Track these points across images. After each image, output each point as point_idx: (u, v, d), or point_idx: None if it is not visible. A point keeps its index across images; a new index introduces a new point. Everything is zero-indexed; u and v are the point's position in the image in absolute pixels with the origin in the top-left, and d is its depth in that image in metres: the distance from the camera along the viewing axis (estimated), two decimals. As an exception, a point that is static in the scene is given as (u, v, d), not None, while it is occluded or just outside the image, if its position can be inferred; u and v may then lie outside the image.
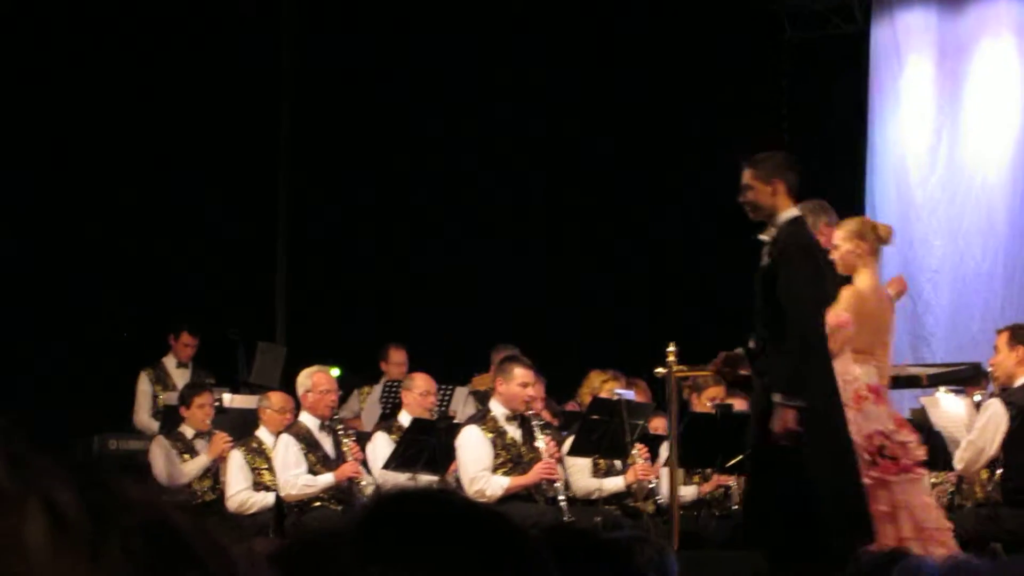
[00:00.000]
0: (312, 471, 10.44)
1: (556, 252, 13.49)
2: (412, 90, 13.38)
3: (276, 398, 11.02)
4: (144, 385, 12.20)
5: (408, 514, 1.22)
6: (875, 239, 8.23)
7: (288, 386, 11.18)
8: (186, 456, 11.06)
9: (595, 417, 10.28)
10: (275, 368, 12.16)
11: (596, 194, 13.15)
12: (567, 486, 10.30)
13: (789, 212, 7.70)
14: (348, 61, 13.34)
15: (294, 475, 10.42)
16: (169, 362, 12.26)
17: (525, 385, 10.05)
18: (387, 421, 11.33)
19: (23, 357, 11.91)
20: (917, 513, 8.11)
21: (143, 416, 12.18)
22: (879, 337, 8.20)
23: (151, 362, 12.18)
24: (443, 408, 11.37)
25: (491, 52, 13.45)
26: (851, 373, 7.95)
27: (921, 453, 8.17)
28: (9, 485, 0.67)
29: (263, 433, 10.84)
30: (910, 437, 8.18)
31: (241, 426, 11.07)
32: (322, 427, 10.63)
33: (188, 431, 11.16)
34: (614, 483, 10.62)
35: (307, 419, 10.64)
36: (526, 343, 11.34)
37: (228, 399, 11.69)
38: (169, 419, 11.36)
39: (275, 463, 10.55)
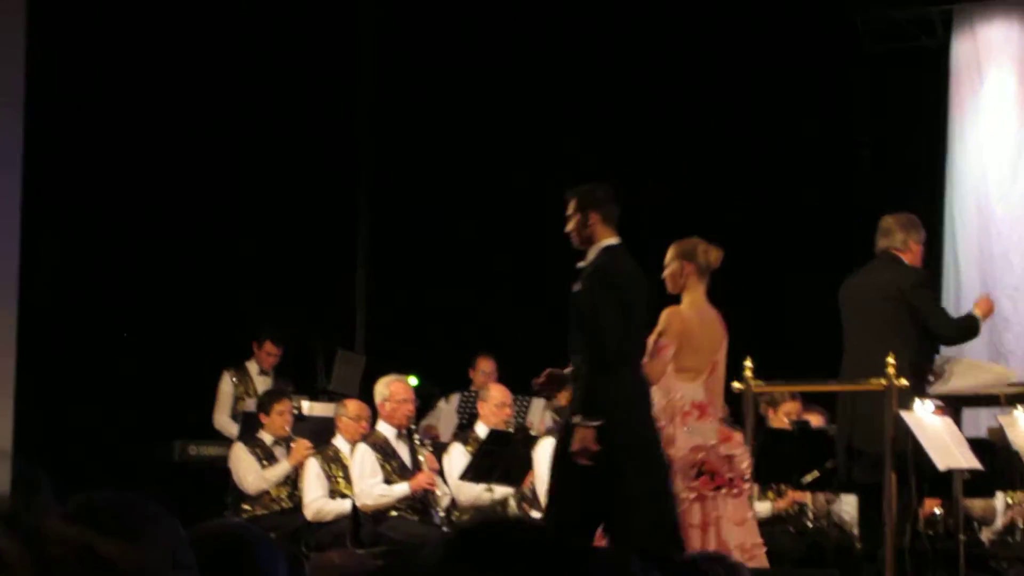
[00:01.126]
0: (388, 480, 10.53)
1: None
2: (486, 102, 13.43)
3: (352, 406, 11.10)
4: (226, 386, 12.31)
5: (488, 546, 1.25)
6: (705, 261, 8.31)
7: (366, 395, 11.25)
8: (265, 463, 11.15)
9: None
10: (354, 377, 12.25)
11: (674, 207, 13.15)
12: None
13: (604, 242, 7.86)
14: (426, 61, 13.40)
15: (370, 484, 10.51)
16: (252, 367, 12.37)
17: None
18: (463, 432, 11.39)
19: (106, 361, 12.05)
20: (724, 529, 8.15)
21: (223, 417, 12.29)
22: (705, 356, 8.30)
23: (236, 364, 12.29)
24: (520, 420, 11.42)
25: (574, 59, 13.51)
26: (676, 391, 8.16)
27: (746, 466, 8.28)
28: None
29: (339, 441, 10.94)
30: (736, 450, 8.30)
31: (319, 434, 11.17)
32: (399, 436, 10.73)
33: (267, 438, 11.25)
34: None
35: (384, 428, 10.74)
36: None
37: (307, 407, 11.79)
38: (248, 425, 11.46)
39: (352, 472, 10.64)
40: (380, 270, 13.57)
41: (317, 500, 10.78)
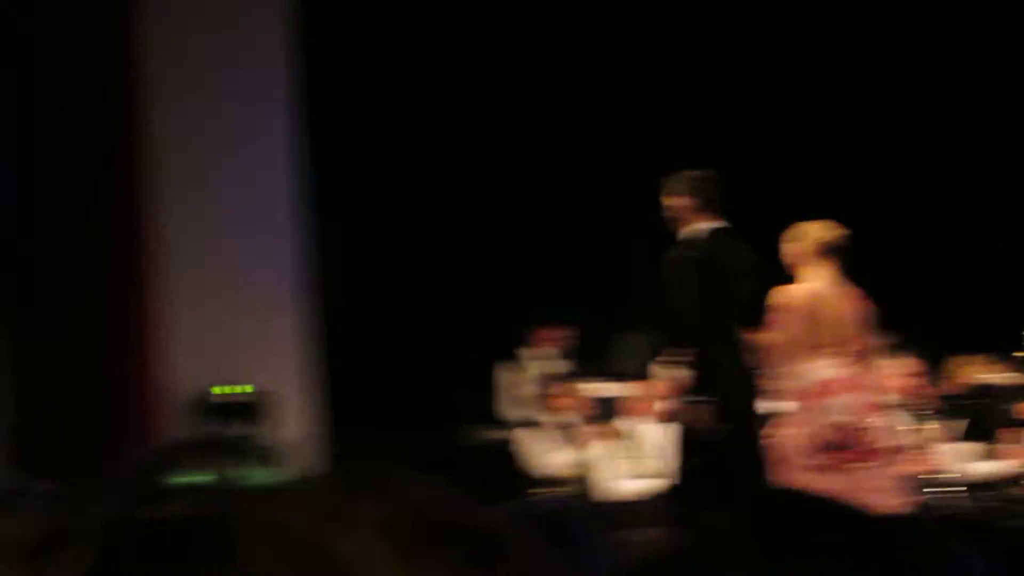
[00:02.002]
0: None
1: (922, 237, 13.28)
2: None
3: (639, 387, 11.12)
4: (507, 374, 12.38)
5: (794, 516, 1.22)
6: (827, 244, 8.38)
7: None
8: (551, 446, 11.23)
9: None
10: (639, 358, 12.24)
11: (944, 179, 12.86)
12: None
13: (693, 227, 8.33)
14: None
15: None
16: (532, 352, 12.43)
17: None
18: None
19: (396, 348, 12.25)
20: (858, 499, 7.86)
21: (507, 406, 12.37)
22: (842, 332, 8.33)
23: (513, 353, 12.35)
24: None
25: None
26: (808, 366, 8.26)
27: (886, 441, 8.30)
28: (335, 511, 0.71)
29: (627, 422, 10.98)
30: (878, 423, 8.30)
31: (605, 415, 11.21)
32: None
33: (552, 421, 11.33)
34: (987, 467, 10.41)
35: (670, 408, 10.72)
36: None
37: (593, 388, 11.83)
38: (533, 409, 11.54)
39: (641, 451, 10.67)
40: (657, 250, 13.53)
41: (608, 481, 10.84)
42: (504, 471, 11.49)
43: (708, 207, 8.33)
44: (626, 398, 11.20)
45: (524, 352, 12.31)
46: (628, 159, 13.03)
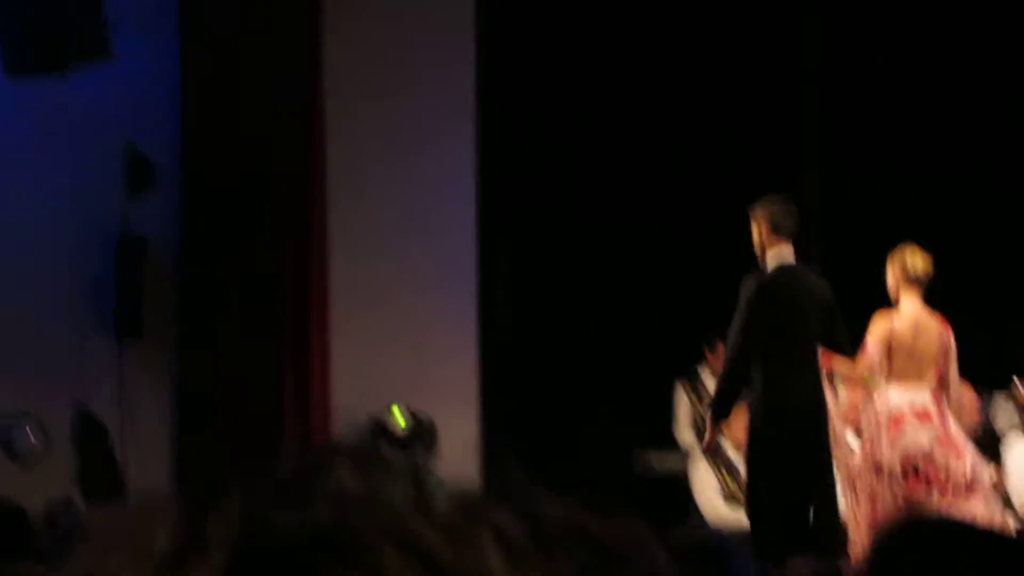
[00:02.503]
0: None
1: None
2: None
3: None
4: (682, 397, 12.16)
5: (924, 545, 1.29)
6: (912, 270, 8.63)
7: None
8: (728, 478, 11.01)
9: None
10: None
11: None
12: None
13: (768, 254, 8.79)
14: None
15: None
16: (705, 373, 12.19)
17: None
18: None
19: (568, 370, 12.16)
20: None
21: (683, 430, 12.15)
22: (919, 363, 8.58)
23: (688, 373, 12.12)
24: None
25: None
26: (886, 394, 8.53)
27: (962, 473, 8.41)
28: (458, 523, 0.73)
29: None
30: (953, 458, 8.43)
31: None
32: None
33: (730, 447, 11.10)
34: None
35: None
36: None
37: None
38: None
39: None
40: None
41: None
42: (677, 499, 11.30)
43: (780, 234, 8.75)
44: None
45: (703, 369, 12.08)
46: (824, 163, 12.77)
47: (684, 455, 11.71)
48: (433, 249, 11.71)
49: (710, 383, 12.03)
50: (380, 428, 11.33)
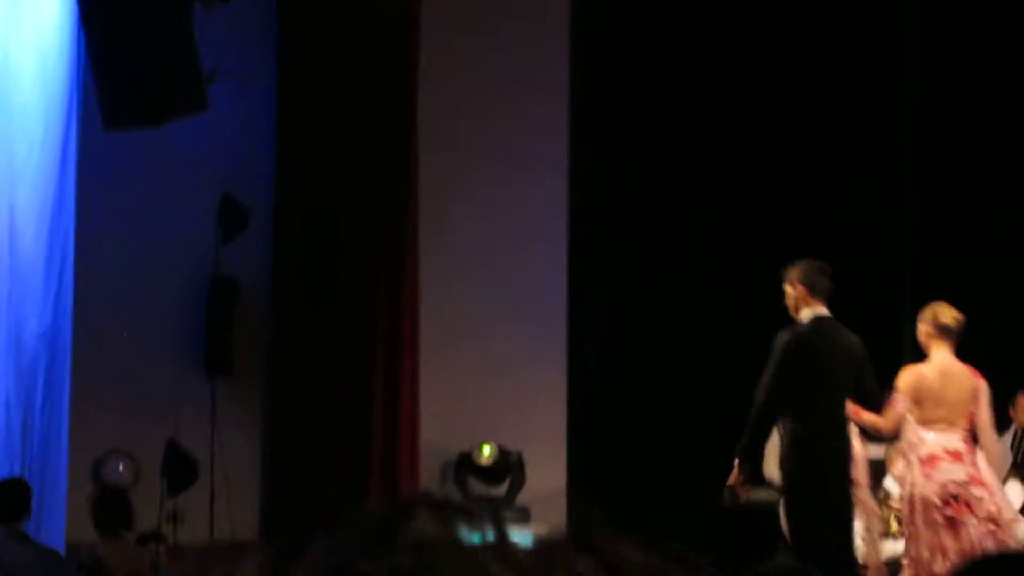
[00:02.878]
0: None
1: None
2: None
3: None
4: (772, 434, 12.23)
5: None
6: (938, 323, 9.15)
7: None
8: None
9: None
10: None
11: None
12: None
13: (802, 313, 9.23)
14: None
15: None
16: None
17: None
18: (1019, 469, 10.93)
19: (656, 407, 12.26)
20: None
21: (771, 465, 12.17)
22: (951, 409, 9.12)
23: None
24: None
25: None
26: (920, 439, 9.11)
27: (995, 510, 8.98)
28: (538, 570, 0.74)
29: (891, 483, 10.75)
30: (983, 494, 8.99)
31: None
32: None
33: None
34: None
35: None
36: None
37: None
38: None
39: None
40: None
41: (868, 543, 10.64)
42: (766, 531, 11.34)
43: (815, 295, 9.18)
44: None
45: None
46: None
47: (773, 489, 11.75)
48: (524, 287, 11.92)
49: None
50: (468, 463, 11.55)
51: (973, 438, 9.22)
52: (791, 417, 9.11)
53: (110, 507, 9.08)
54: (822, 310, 9.23)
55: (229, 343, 11.10)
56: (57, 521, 10.20)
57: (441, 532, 0.75)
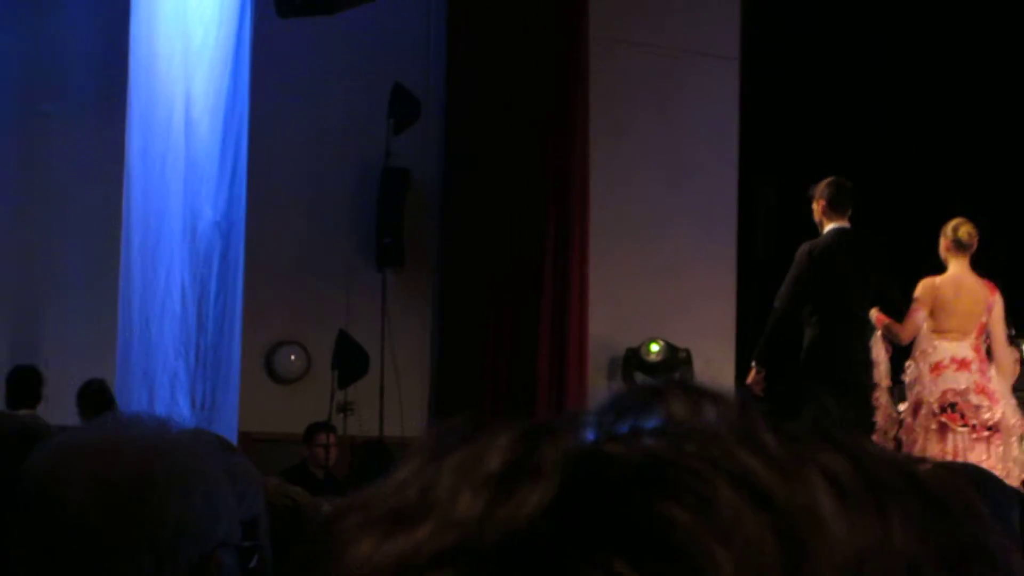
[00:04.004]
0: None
1: None
2: None
3: None
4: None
5: None
6: (955, 237, 9.47)
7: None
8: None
9: None
10: None
11: None
12: None
13: (826, 228, 9.43)
14: None
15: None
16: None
17: None
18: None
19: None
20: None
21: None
22: (965, 320, 9.45)
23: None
24: None
25: None
26: (932, 347, 9.42)
27: (989, 417, 9.27)
28: (788, 459, 0.71)
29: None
30: (985, 402, 9.30)
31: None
32: None
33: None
34: None
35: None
36: None
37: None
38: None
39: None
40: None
41: None
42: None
43: (836, 210, 9.42)
44: None
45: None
46: None
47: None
48: (694, 188, 11.78)
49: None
50: (636, 359, 11.49)
51: (988, 350, 9.57)
52: (809, 324, 9.34)
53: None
54: (843, 223, 9.47)
55: (400, 234, 11.07)
56: (231, 410, 10.30)
57: (690, 416, 0.72)
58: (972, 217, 11.23)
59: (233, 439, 9.61)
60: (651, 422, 0.73)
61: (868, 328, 9.47)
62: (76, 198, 10.71)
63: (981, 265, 9.65)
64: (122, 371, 10.33)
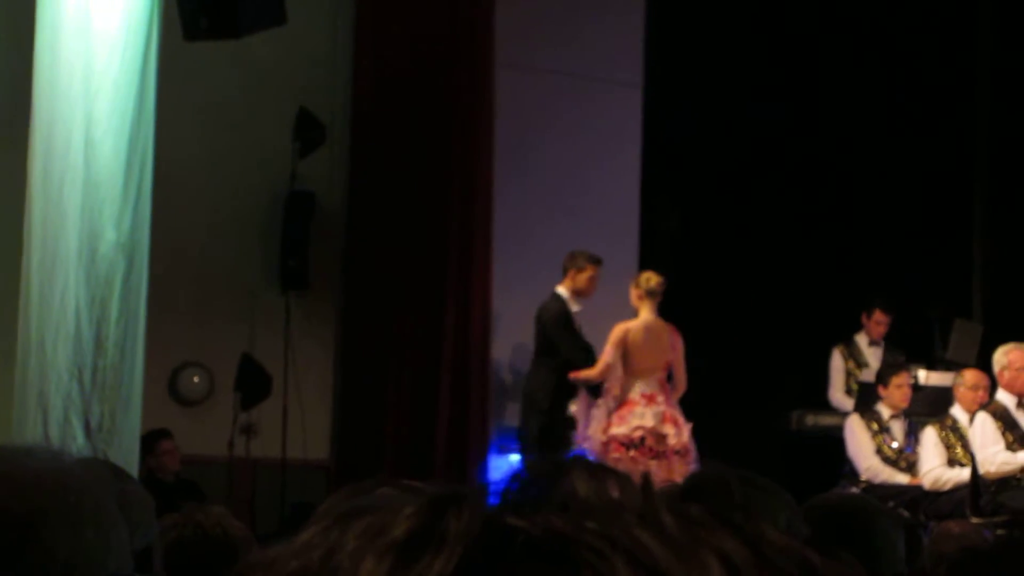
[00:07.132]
0: (1009, 449, 10.30)
1: None
2: None
3: (969, 376, 10.88)
4: (837, 362, 12.25)
5: None
6: (647, 287, 10.78)
7: (984, 364, 10.98)
8: (880, 436, 11.10)
9: None
10: (971, 346, 11.92)
11: None
12: None
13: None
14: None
15: (992, 453, 10.31)
16: (861, 340, 12.26)
17: None
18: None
19: (724, 331, 12.28)
20: None
21: (837, 393, 12.25)
22: (653, 360, 10.71)
23: (844, 339, 12.22)
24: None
25: None
26: (624, 388, 10.66)
27: (675, 443, 10.54)
28: (686, 541, 0.73)
29: (957, 411, 10.76)
30: (671, 431, 10.57)
31: (935, 404, 11.01)
32: (1019, 405, 10.45)
33: (885, 411, 11.17)
34: None
35: (1004, 397, 10.50)
36: None
37: (923, 376, 11.58)
38: (864, 397, 11.39)
39: (971, 441, 10.46)
40: (997, 239, 13.11)
41: (935, 469, 10.69)
42: (834, 456, 11.39)
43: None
44: (957, 387, 10.94)
45: (851, 340, 12.20)
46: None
47: (838, 415, 11.85)
48: (597, 213, 11.89)
49: (866, 350, 12.15)
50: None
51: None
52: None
53: None
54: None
55: (304, 257, 11.10)
56: (131, 432, 10.23)
57: (593, 493, 0.75)
58: (869, 241, 11.48)
59: (134, 461, 9.59)
60: (556, 498, 0.75)
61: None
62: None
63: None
64: (20, 393, 10.24)
